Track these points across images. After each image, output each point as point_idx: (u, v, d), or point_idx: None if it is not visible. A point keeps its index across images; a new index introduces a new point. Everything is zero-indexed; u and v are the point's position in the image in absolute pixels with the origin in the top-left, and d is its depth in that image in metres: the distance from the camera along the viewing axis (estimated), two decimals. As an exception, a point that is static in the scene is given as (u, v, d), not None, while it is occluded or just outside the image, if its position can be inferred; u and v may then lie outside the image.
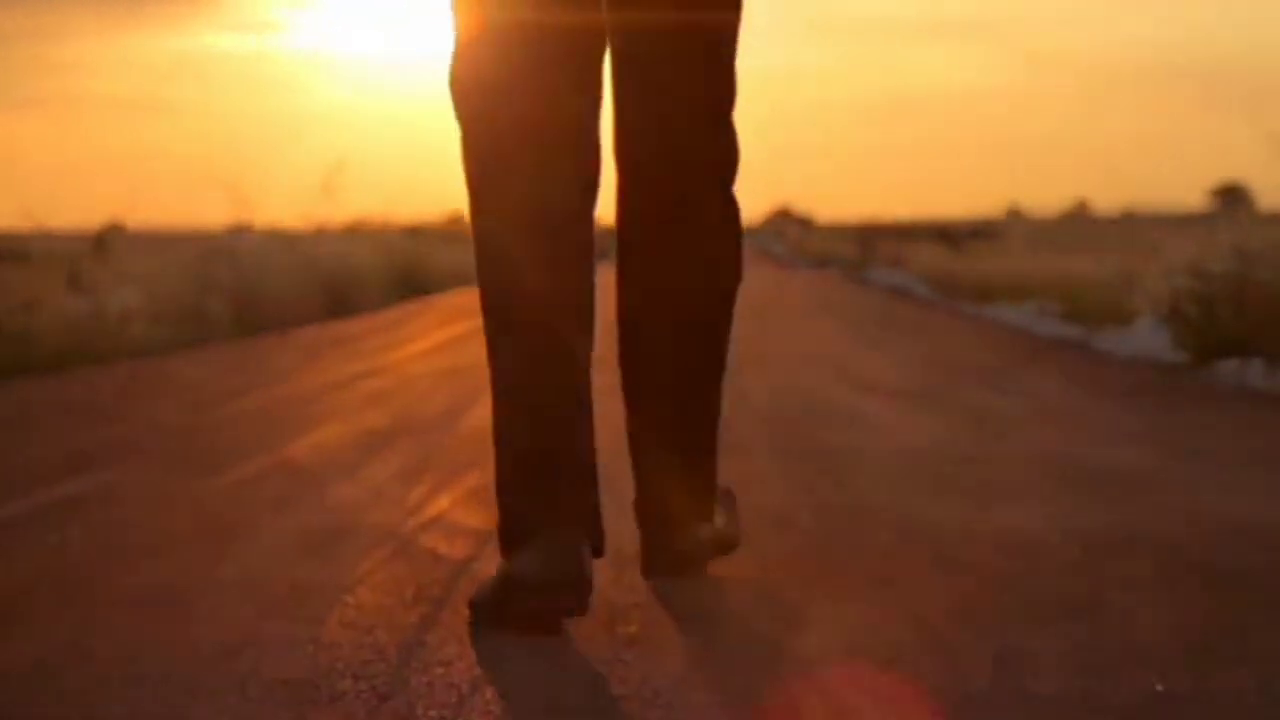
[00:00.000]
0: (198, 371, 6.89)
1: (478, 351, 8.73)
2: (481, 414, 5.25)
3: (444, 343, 8.92)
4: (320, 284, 11.93)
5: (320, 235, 16.91)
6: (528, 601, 2.36)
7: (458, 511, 3.40)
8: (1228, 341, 7.56)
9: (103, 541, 3.09)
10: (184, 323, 9.21)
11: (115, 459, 4.19)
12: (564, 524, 2.39)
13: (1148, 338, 8.68)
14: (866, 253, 26.33)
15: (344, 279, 12.53)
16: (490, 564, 2.84)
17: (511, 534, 2.43)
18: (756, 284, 18.36)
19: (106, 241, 19.79)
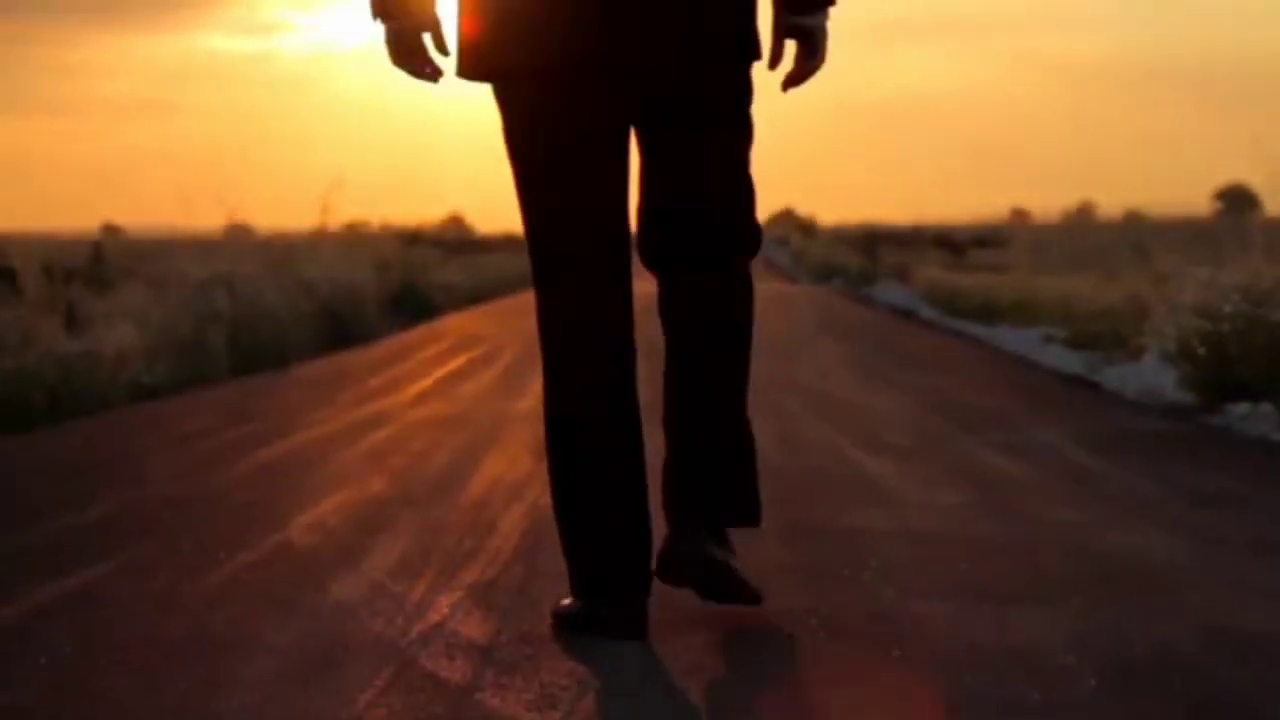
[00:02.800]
0: (195, 422, 6.80)
1: (477, 393, 8.61)
2: (481, 479, 5.18)
3: (444, 380, 8.83)
4: (319, 309, 11.85)
5: (319, 242, 16.84)
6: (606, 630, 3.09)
7: (458, 619, 3.31)
8: (1237, 384, 7.49)
9: (96, 661, 3.01)
10: (182, 358, 9.12)
11: (108, 545, 4.10)
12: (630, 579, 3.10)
13: (1155, 374, 8.60)
14: (870, 263, 26.24)
15: (342, 303, 12.45)
16: (489, 692, 2.77)
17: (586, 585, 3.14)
18: (762, 302, 18.20)
19: (103, 250, 19.72)
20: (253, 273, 11.79)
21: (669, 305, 3.24)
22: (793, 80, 3.21)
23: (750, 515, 3.25)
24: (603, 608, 3.11)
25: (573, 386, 3.18)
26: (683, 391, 3.22)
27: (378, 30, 3.18)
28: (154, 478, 5.27)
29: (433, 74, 3.18)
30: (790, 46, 3.20)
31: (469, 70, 3.13)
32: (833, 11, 3.20)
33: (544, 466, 5.29)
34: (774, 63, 3.19)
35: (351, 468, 5.47)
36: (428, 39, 3.16)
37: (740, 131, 3.19)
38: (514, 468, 5.43)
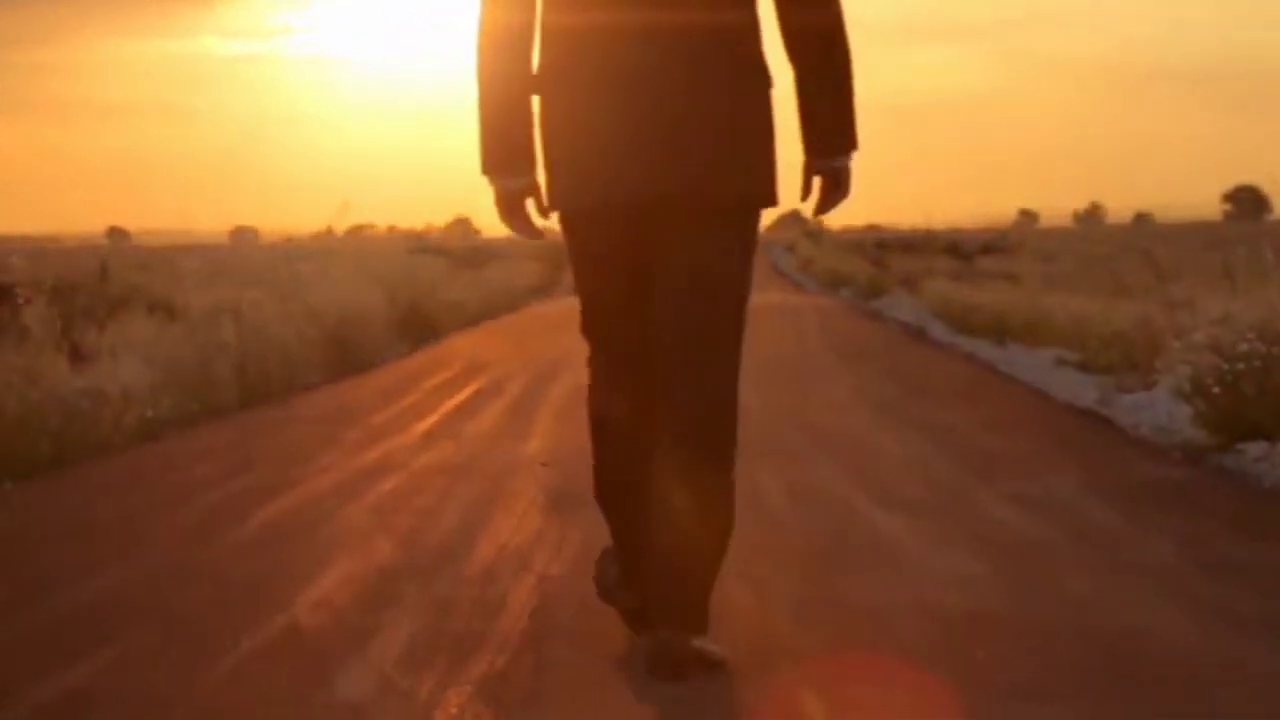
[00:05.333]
0: (199, 471, 6.71)
1: (484, 432, 8.47)
2: (488, 543, 5.10)
3: (450, 417, 8.75)
4: (325, 336, 11.78)
5: (325, 250, 16.87)
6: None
7: (467, 721, 3.24)
8: (1252, 423, 7.40)
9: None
10: (188, 391, 9.05)
11: (109, 629, 4.03)
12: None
13: (1168, 408, 8.52)
14: (879, 272, 26.17)
15: (349, 328, 12.36)
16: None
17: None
18: (769, 315, 18.06)
19: (109, 268, 19.69)
20: (259, 299, 11.73)
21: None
22: (820, 209, 3.74)
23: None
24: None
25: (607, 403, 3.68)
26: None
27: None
28: (157, 542, 5.19)
29: (533, 234, 3.69)
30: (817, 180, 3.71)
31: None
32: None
33: (551, 527, 5.29)
34: (804, 194, 3.70)
35: (357, 529, 5.39)
36: (530, 203, 3.63)
37: (739, 291, 3.60)
38: (521, 529, 5.35)
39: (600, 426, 3.70)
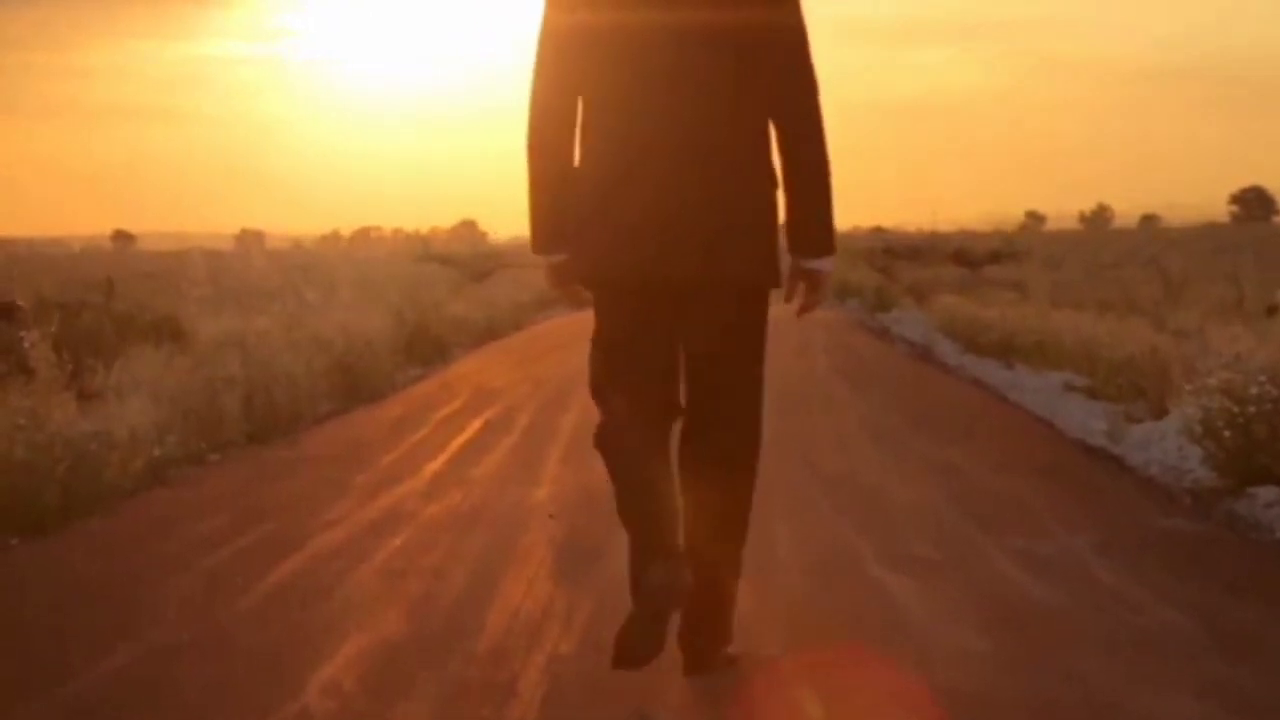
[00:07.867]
0: (207, 524, 6.69)
1: (492, 475, 8.41)
2: (499, 611, 5.08)
3: (458, 456, 8.73)
4: (332, 365, 11.76)
5: (333, 252, 16.90)
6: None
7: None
8: (1263, 467, 7.38)
9: None
10: (196, 427, 9.04)
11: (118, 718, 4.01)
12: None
13: (1177, 445, 8.51)
14: (887, 282, 26.17)
15: (356, 356, 12.34)
16: None
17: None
18: (778, 333, 18.05)
19: (114, 287, 19.75)
20: (266, 328, 11.73)
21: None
22: (803, 310, 4.22)
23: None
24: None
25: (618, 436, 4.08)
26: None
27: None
28: (165, 610, 5.16)
29: (580, 302, 4.22)
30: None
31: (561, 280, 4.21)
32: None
33: (561, 593, 5.27)
34: (788, 297, 4.21)
35: (367, 594, 5.36)
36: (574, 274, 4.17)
37: (756, 350, 4.18)
38: (532, 594, 5.32)
39: (615, 452, 4.07)
